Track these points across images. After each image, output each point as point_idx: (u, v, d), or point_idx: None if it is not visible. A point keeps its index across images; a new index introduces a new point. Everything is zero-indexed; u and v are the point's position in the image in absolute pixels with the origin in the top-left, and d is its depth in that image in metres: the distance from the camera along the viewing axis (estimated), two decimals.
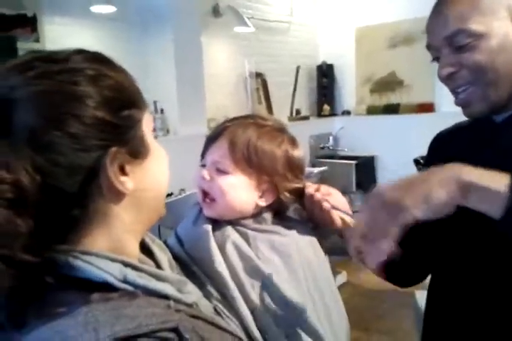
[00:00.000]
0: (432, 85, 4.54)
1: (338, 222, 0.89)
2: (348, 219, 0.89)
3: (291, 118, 4.60)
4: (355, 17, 4.92)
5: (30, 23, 2.72)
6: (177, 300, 0.56)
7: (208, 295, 0.78)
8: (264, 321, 0.79)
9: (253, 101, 4.17)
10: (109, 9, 2.90)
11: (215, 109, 3.62)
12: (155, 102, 3.11)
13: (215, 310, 0.77)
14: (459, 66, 0.84)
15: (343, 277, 3.72)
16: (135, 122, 0.57)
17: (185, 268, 0.82)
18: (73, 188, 0.52)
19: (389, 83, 4.81)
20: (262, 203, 0.89)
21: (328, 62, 5.02)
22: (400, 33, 4.67)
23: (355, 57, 4.98)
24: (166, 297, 0.55)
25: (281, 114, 4.47)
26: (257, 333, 0.77)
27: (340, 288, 3.61)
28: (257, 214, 0.89)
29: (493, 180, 0.63)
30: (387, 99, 4.85)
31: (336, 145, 4.73)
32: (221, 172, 0.86)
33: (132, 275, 0.53)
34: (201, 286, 0.79)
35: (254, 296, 0.80)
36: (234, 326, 0.76)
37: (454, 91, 0.89)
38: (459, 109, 0.93)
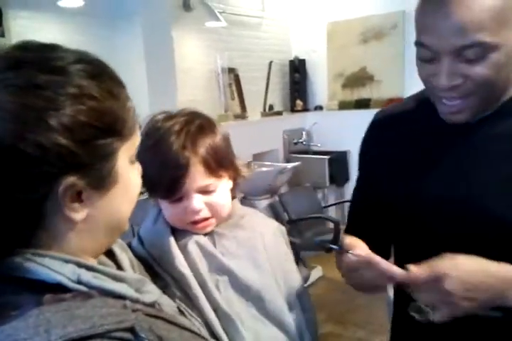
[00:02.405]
0: (402, 80, 4.59)
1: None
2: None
3: (264, 114, 4.60)
4: (327, 12, 4.94)
5: None
6: (134, 300, 0.55)
7: (171, 295, 0.79)
8: (228, 320, 0.79)
9: (226, 96, 4.15)
10: (77, 3, 2.84)
11: (187, 105, 3.57)
12: None
13: (179, 309, 0.77)
14: (465, 78, 0.79)
15: (318, 272, 3.75)
16: (107, 153, 0.54)
17: (149, 269, 0.82)
18: (27, 204, 0.51)
19: (360, 78, 4.85)
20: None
21: (301, 57, 5.03)
22: (371, 28, 4.71)
23: (327, 53, 5.00)
24: (122, 297, 0.54)
25: (254, 109, 4.46)
26: (220, 331, 0.78)
27: (316, 282, 3.64)
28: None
29: None
30: (358, 94, 4.89)
31: (309, 140, 4.75)
32: (208, 192, 0.86)
33: (86, 275, 0.53)
34: (165, 286, 0.80)
35: (217, 295, 0.81)
36: (198, 325, 0.77)
37: (444, 98, 0.84)
38: None
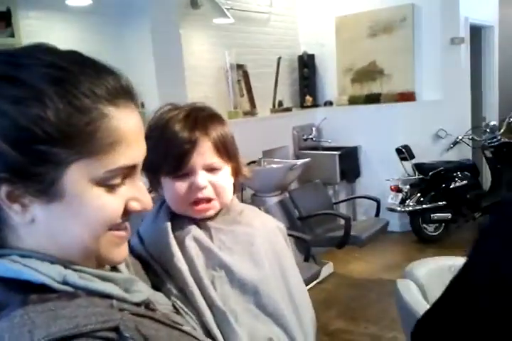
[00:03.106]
0: (412, 74, 4.56)
1: None
2: None
3: (273, 110, 4.59)
4: (335, 6, 4.91)
5: (4, 18, 2.65)
6: (122, 300, 0.55)
7: (167, 292, 0.79)
8: (222, 316, 0.79)
9: (235, 93, 4.15)
10: (85, 2, 2.85)
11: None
12: None
13: (174, 307, 0.77)
14: None
15: (329, 268, 3.74)
16: (49, 161, 0.51)
17: (147, 267, 0.82)
18: None
19: (370, 72, 4.82)
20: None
21: (309, 52, 5.01)
22: (379, 22, 4.68)
23: (336, 47, 4.97)
24: (110, 297, 0.54)
25: (263, 105, 4.45)
26: (215, 328, 0.78)
27: (327, 278, 3.64)
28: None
29: None
30: (368, 88, 4.86)
31: (319, 136, 4.74)
32: (215, 170, 0.87)
33: (72, 276, 0.53)
34: (161, 284, 0.80)
35: (212, 291, 0.81)
36: (192, 322, 0.77)
37: None
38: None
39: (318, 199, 3.70)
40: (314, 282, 3.21)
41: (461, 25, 4.73)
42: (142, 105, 3.14)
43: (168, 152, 0.84)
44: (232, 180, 0.91)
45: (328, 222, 3.58)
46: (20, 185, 0.51)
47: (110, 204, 0.55)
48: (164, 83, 3.19)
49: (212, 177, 0.86)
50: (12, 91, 0.50)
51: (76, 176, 0.52)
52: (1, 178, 0.50)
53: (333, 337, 2.81)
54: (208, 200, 0.86)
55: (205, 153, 0.85)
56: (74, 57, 0.55)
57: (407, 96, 4.60)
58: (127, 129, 0.55)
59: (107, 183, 0.54)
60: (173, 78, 3.28)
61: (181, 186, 0.85)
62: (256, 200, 3.54)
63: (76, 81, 0.52)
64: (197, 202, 0.86)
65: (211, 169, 0.86)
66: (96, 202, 0.54)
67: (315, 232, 3.43)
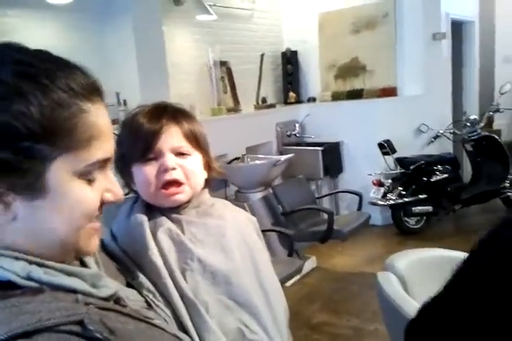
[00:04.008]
0: (394, 69, 4.61)
1: None
2: None
3: (257, 107, 4.61)
4: (318, 2, 4.93)
5: None
6: (87, 294, 0.56)
7: (139, 287, 0.80)
8: (193, 308, 0.81)
9: (218, 90, 4.16)
10: (66, 0, 2.83)
11: (179, 99, 3.59)
12: (117, 93, 3.07)
13: (147, 302, 0.78)
14: None
15: (312, 262, 3.78)
16: (32, 158, 0.52)
17: (120, 264, 0.83)
18: None
19: (352, 68, 4.86)
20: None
21: (293, 48, 5.03)
22: (362, 18, 4.71)
23: (319, 44, 5.00)
24: (75, 291, 0.55)
25: (247, 102, 4.47)
26: (187, 320, 0.80)
27: (310, 273, 3.68)
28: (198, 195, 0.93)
29: None
30: (351, 84, 4.90)
31: (302, 132, 4.77)
32: (183, 155, 0.89)
33: (37, 271, 0.53)
34: (134, 278, 0.81)
35: (183, 283, 0.82)
36: (164, 315, 0.78)
37: None
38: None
39: (302, 194, 3.74)
40: (297, 276, 3.25)
41: (442, 21, 4.78)
42: (124, 103, 3.15)
43: (136, 139, 0.87)
44: (203, 171, 0.93)
45: (311, 217, 3.62)
46: (4, 183, 0.51)
47: (91, 196, 0.57)
48: (147, 80, 3.19)
49: (181, 161, 0.88)
50: None
51: (59, 171, 0.54)
52: None
53: (317, 330, 2.85)
54: (178, 184, 0.88)
55: (172, 136, 0.88)
56: (46, 55, 0.57)
57: (389, 92, 4.65)
58: (103, 124, 0.58)
59: (86, 176, 0.56)
60: (155, 75, 3.28)
61: (150, 169, 0.87)
62: (240, 196, 3.57)
63: (54, 77, 0.54)
64: (166, 185, 0.87)
65: (180, 153, 0.89)
66: (79, 195, 0.56)
67: (298, 227, 3.47)
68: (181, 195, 0.88)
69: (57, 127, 0.53)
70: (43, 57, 0.56)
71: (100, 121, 0.57)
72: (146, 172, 0.88)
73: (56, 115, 0.53)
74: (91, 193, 0.57)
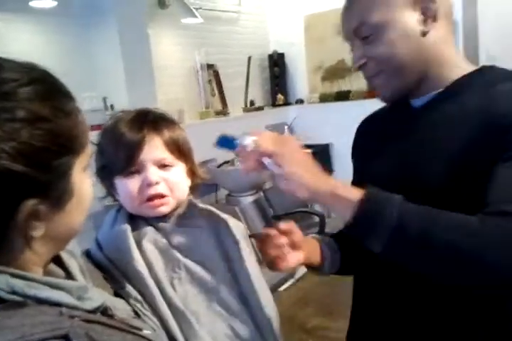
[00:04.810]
0: None
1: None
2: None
3: (245, 109, 4.59)
4: (304, 4, 4.93)
5: None
6: (72, 307, 0.55)
7: (126, 296, 0.79)
8: (182, 317, 0.80)
9: (206, 93, 4.13)
10: (50, 4, 2.80)
11: (166, 103, 3.56)
12: (104, 99, 3.03)
13: (134, 311, 0.77)
14: (367, 58, 0.89)
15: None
16: (63, 172, 0.55)
17: (107, 273, 0.82)
18: None
19: (339, 70, 4.86)
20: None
21: (279, 51, 5.03)
22: None
23: (305, 46, 5.00)
24: (59, 304, 0.54)
25: (235, 105, 4.45)
26: (175, 329, 0.78)
27: (304, 276, 3.65)
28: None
29: (352, 193, 0.75)
30: (338, 86, 4.90)
31: (291, 134, 4.75)
32: (166, 166, 0.87)
33: (21, 285, 0.52)
34: (121, 288, 0.80)
35: (172, 292, 0.81)
36: (152, 324, 0.76)
37: (367, 79, 0.93)
38: None
39: (293, 197, 3.71)
40: (291, 281, 3.23)
41: None
42: (111, 107, 3.10)
43: (117, 151, 0.85)
44: (186, 179, 0.92)
45: (303, 220, 3.60)
46: (41, 202, 0.52)
47: (90, 182, 0.62)
48: (133, 84, 3.16)
49: (164, 174, 0.87)
50: (16, 118, 0.50)
51: (77, 172, 0.57)
52: (23, 201, 0.51)
53: (311, 334, 2.83)
54: (162, 196, 0.86)
55: (154, 148, 0.85)
56: (36, 67, 0.57)
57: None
58: (84, 119, 0.60)
59: (85, 168, 0.60)
60: (142, 79, 3.25)
61: (133, 183, 0.86)
62: (231, 200, 3.54)
63: (57, 90, 0.56)
64: (151, 198, 0.86)
65: (163, 165, 0.87)
66: (89, 186, 0.61)
67: None
68: (165, 207, 0.87)
69: (70, 135, 0.55)
70: (36, 68, 0.56)
71: (82, 117, 0.60)
72: (128, 186, 0.86)
73: (66, 124, 0.55)
74: (89, 180, 0.62)
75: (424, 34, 0.85)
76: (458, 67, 0.89)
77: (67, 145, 0.55)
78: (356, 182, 1.10)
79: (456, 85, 0.87)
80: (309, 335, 2.82)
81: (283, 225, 0.91)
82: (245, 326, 0.83)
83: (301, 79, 5.11)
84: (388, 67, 0.87)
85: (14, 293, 0.51)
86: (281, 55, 5.04)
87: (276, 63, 5.02)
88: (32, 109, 0.51)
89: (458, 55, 0.91)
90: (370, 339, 1.03)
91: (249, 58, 4.61)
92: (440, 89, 0.89)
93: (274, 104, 5.03)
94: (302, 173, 0.78)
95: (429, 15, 0.85)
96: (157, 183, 0.85)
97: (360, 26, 0.87)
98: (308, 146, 4.52)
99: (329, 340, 2.77)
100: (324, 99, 4.90)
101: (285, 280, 2.83)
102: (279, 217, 3.44)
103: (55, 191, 0.54)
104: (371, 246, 0.74)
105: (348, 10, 0.90)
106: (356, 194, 0.75)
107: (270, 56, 5.03)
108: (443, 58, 0.88)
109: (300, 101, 5.07)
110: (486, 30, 6.22)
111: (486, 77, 0.87)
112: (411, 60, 0.86)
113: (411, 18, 0.85)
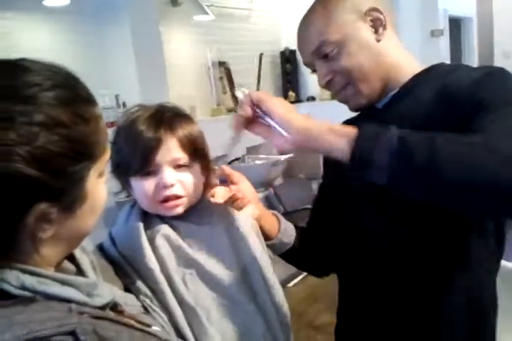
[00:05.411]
0: None
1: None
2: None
3: None
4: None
5: None
6: (82, 303, 0.56)
7: (136, 292, 0.80)
8: (192, 314, 0.80)
9: (217, 90, 4.15)
10: (63, 2, 2.83)
11: (178, 100, 3.58)
12: (116, 96, 3.06)
13: (144, 307, 0.78)
14: (333, 73, 0.94)
15: None
16: (78, 178, 0.55)
17: (119, 269, 0.83)
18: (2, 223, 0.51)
19: None
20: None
21: (291, 47, 5.02)
22: None
23: None
24: (69, 300, 0.55)
25: None
26: (185, 326, 0.79)
27: None
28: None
29: (347, 128, 0.74)
30: None
31: None
32: (182, 167, 0.87)
33: (31, 281, 0.53)
34: (132, 284, 0.81)
35: (183, 289, 0.81)
36: (161, 321, 0.77)
37: (336, 93, 0.99)
38: None
39: (303, 194, 3.73)
40: (300, 277, 3.24)
41: (440, 18, 4.78)
42: (124, 104, 3.13)
43: (134, 151, 0.85)
44: (202, 177, 0.92)
45: None
46: (53, 206, 0.52)
47: (105, 188, 0.62)
48: (145, 81, 3.18)
49: (179, 175, 0.87)
50: (35, 122, 0.50)
51: (92, 177, 0.57)
52: (35, 204, 0.51)
53: (320, 331, 2.84)
54: (177, 197, 0.87)
55: (170, 149, 0.85)
56: (62, 70, 0.57)
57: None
58: (105, 125, 0.60)
59: (101, 173, 0.60)
60: (154, 76, 3.27)
61: (149, 184, 0.86)
62: None
63: (79, 95, 0.56)
64: (165, 200, 0.86)
65: (178, 166, 0.87)
66: (103, 191, 0.61)
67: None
68: (180, 207, 0.88)
69: (89, 142, 0.55)
70: (59, 71, 0.56)
71: (103, 122, 0.59)
72: (144, 187, 0.86)
73: (86, 130, 0.55)
74: (104, 186, 0.62)
75: (378, 42, 0.93)
76: (411, 67, 0.95)
77: (85, 152, 0.55)
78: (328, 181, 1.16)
79: (409, 84, 0.93)
80: (318, 332, 2.83)
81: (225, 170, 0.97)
82: (256, 323, 0.83)
83: (313, 76, 5.09)
84: (354, 77, 0.92)
85: (24, 288, 0.52)
86: (294, 52, 5.02)
87: (288, 60, 5.02)
88: (51, 114, 0.51)
89: (408, 56, 0.97)
90: (357, 333, 1.06)
91: (261, 55, 4.61)
92: (395, 90, 0.94)
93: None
94: (293, 115, 0.77)
95: (379, 25, 0.93)
96: (172, 185, 0.86)
97: (320, 46, 0.92)
98: None
99: None
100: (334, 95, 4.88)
101: (294, 277, 2.85)
102: (288, 214, 3.45)
103: (67, 196, 0.54)
104: (377, 178, 0.70)
105: (304, 36, 0.96)
106: (352, 129, 0.73)
107: (282, 53, 5.02)
108: (398, 61, 0.94)
109: (311, 99, 5.07)
110: (502, 26, 6.16)
111: (436, 72, 0.93)
112: (373, 67, 0.92)
113: (365, 30, 0.92)
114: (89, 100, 0.57)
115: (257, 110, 0.81)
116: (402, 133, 0.69)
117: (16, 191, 0.49)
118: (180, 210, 0.88)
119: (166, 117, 0.87)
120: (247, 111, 0.81)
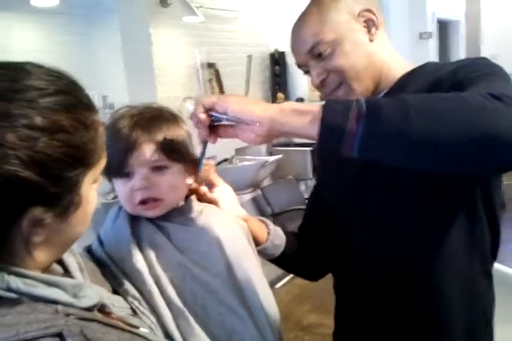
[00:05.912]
0: None
1: None
2: None
3: None
4: (304, 2, 4.92)
5: None
6: (68, 305, 0.55)
7: (124, 294, 0.79)
8: (181, 315, 0.80)
9: (206, 92, 4.15)
10: (52, 2, 2.82)
11: (167, 102, 3.58)
12: (104, 97, 3.06)
13: (132, 309, 0.78)
14: (327, 72, 0.96)
15: None
16: (73, 184, 0.55)
17: (107, 271, 0.83)
18: None
19: None
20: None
21: (280, 49, 5.03)
22: None
23: None
24: (55, 302, 0.54)
25: None
26: (173, 327, 0.79)
27: None
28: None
29: (310, 105, 0.75)
30: None
31: None
32: (160, 168, 0.86)
33: (16, 282, 0.53)
34: (119, 285, 0.81)
35: (171, 290, 0.82)
36: (150, 323, 0.77)
37: (330, 93, 0.99)
38: None
39: (291, 195, 3.75)
40: (287, 278, 3.25)
41: (428, 21, 4.82)
42: (111, 106, 3.13)
43: (112, 152, 0.82)
44: (185, 178, 0.91)
45: (300, 218, 3.62)
46: (47, 211, 0.53)
47: (96, 194, 0.62)
48: (134, 83, 3.18)
49: (157, 177, 0.85)
50: (36, 126, 0.50)
51: (87, 183, 0.57)
52: (29, 208, 0.51)
53: (308, 332, 2.86)
54: (155, 199, 0.86)
55: (146, 152, 0.84)
56: (64, 76, 0.57)
57: None
58: (103, 133, 0.61)
59: (96, 179, 0.60)
60: (142, 78, 3.27)
61: (126, 187, 0.86)
62: None
63: (80, 102, 0.56)
64: (143, 201, 0.86)
65: (157, 168, 0.86)
66: (95, 198, 0.61)
67: (287, 228, 3.47)
68: (158, 210, 0.87)
69: (87, 149, 0.55)
70: (62, 76, 0.57)
71: (102, 129, 0.60)
72: (121, 189, 0.87)
73: (85, 137, 0.55)
74: (96, 192, 0.62)
75: (371, 41, 0.96)
76: (401, 66, 0.97)
77: (82, 158, 0.55)
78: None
79: (400, 82, 0.95)
80: (305, 332, 2.85)
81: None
82: (245, 325, 0.83)
83: (302, 78, 5.11)
84: (347, 76, 0.94)
85: (9, 290, 0.52)
86: (282, 54, 5.04)
87: (277, 62, 5.03)
88: (52, 119, 0.51)
89: (398, 55, 1.00)
90: (355, 337, 1.06)
91: (250, 57, 4.62)
92: (386, 89, 0.96)
93: (275, 103, 5.02)
94: (251, 107, 0.76)
95: (371, 25, 0.95)
96: (146, 188, 0.85)
97: (315, 45, 0.94)
98: (307, 144, 4.54)
99: (325, 337, 2.79)
100: (325, 97, 4.90)
101: (281, 278, 2.86)
102: (276, 215, 3.46)
103: (62, 202, 0.54)
104: (351, 145, 0.67)
105: (298, 37, 0.98)
106: (313, 105, 0.73)
107: (271, 55, 5.03)
108: (389, 60, 0.97)
109: (300, 100, 5.08)
110: (489, 29, 6.22)
111: (428, 68, 0.95)
112: (366, 66, 0.94)
113: (358, 30, 0.95)
114: (90, 107, 0.57)
115: (214, 114, 0.80)
116: (371, 98, 0.71)
117: (10, 194, 0.49)
118: (158, 212, 0.87)
119: (146, 119, 0.86)
120: (203, 118, 0.80)
